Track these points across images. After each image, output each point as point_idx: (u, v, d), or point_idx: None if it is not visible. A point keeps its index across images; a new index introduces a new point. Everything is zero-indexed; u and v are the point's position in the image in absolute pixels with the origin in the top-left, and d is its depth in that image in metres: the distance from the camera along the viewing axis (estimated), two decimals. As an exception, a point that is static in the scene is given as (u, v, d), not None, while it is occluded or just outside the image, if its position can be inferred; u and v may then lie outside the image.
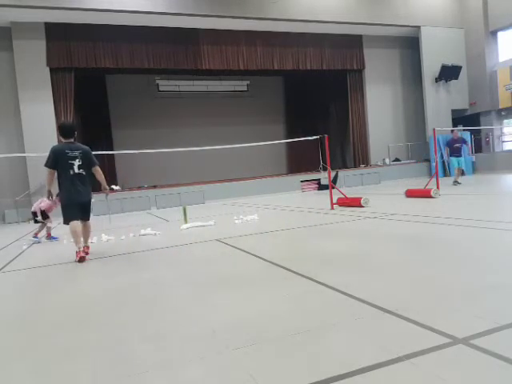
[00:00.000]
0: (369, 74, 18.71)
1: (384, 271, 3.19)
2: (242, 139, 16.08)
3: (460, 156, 11.85)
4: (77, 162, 5.05)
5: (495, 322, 2.02)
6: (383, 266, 3.34)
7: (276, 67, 17.17)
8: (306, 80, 21.12)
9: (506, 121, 18.27)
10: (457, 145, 11.89)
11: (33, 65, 13.79)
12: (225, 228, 6.93)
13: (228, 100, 21.22)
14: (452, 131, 12.31)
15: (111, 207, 13.78)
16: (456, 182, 11.74)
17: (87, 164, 5.19)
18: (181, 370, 1.87)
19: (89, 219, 5.43)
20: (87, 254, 5.23)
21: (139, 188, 15.61)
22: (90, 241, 5.68)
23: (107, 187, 5.57)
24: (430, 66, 18.06)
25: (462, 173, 12.79)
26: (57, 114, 14.28)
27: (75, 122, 15.31)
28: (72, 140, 5.21)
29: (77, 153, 5.09)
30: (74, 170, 5.04)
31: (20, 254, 6.12)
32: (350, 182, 16.90)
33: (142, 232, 7.02)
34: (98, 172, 5.35)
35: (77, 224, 5.09)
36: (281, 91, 22.80)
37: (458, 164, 11.95)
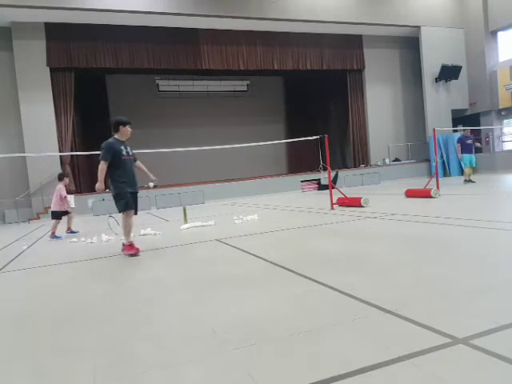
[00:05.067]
0: (369, 73, 18.71)
1: (384, 271, 3.19)
2: (242, 139, 16.06)
3: (472, 153, 11.88)
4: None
5: (495, 321, 2.02)
6: (383, 266, 3.34)
7: (276, 67, 17.18)
8: (306, 80, 21.11)
9: (505, 121, 18.27)
10: (469, 141, 11.89)
11: (33, 65, 13.79)
12: (225, 228, 6.93)
13: (228, 100, 21.22)
14: (464, 129, 12.36)
15: (112, 207, 13.78)
16: (467, 181, 11.85)
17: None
18: (181, 370, 1.87)
19: (119, 212, 5.26)
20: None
21: (139, 188, 15.59)
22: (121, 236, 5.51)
23: (97, 185, 5.06)
24: (430, 66, 18.07)
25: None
26: (57, 114, 14.28)
27: (76, 121, 15.31)
28: (115, 135, 5.27)
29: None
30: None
31: (20, 254, 6.12)
32: (349, 181, 16.90)
33: (142, 232, 7.02)
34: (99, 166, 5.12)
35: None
36: (281, 91, 22.80)
37: (470, 161, 11.97)
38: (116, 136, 5.22)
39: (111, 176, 5.11)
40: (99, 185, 5.03)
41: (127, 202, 5.10)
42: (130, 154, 5.27)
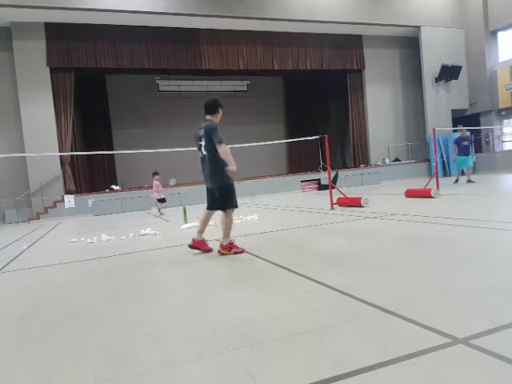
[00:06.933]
0: (369, 74, 18.70)
1: (384, 271, 3.19)
2: (242, 139, 16.06)
3: (467, 155, 11.87)
4: (202, 143, 4.57)
5: (495, 321, 2.02)
6: (383, 266, 3.34)
7: (276, 67, 17.17)
8: (306, 80, 21.11)
9: (505, 121, 18.27)
10: (465, 143, 11.89)
11: (33, 65, 13.78)
12: (225, 228, 6.92)
13: (228, 100, 21.18)
14: (461, 130, 12.37)
15: (111, 207, 13.78)
16: (468, 181, 11.86)
17: (210, 144, 4.44)
18: (181, 369, 1.87)
19: (220, 209, 4.55)
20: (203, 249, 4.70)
21: (139, 188, 15.60)
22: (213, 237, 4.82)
23: (231, 168, 4.34)
24: (430, 66, 18.06)
25: (462, 171, 12.84)
26: (57, 114, 14.27)
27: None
28: (208, 117, 4.66)
29: (202, 132, 4.56)
30: (202, 152, 4.64)
31: (20, 254, 6.12)
32: (350, 181, 16.90)
33: (142, 232, 7.01)
34: (220, 151, 4.37)
35: (203, 212, 4.73)
36: (281, 91, 22.78)
37: (465, 163, 11.95)
38: (212, 119, 4.62)
39: (219, 163, 4.42)
40: (233, 167, 4.29)
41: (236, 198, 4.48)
42: None
